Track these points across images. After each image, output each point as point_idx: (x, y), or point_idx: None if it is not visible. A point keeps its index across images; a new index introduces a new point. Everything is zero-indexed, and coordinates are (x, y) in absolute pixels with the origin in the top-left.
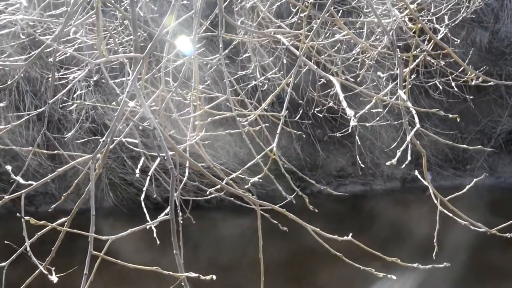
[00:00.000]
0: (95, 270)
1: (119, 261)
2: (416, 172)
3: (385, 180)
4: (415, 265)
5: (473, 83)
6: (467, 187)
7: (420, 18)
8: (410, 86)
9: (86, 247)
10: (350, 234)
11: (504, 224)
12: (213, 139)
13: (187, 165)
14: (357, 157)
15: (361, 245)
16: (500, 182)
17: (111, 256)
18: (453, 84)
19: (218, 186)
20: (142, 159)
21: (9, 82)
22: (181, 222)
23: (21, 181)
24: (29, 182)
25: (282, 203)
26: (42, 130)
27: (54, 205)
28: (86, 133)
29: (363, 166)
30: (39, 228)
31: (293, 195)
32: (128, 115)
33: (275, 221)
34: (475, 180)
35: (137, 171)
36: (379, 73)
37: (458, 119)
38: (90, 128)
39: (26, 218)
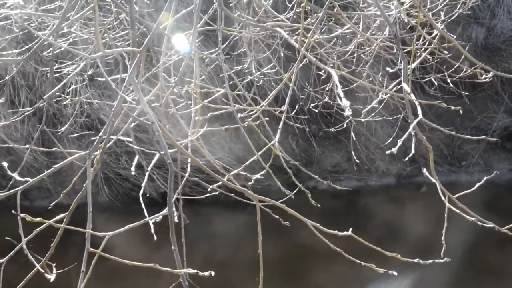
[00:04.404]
0: (92, 267)
1: (116, 258)
2: (424, 170)
3: (380, 176)
4: (415, 260)
5: (483, 77)
6: (477, 185)
7: (416, 13)
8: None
9: (81, 242)
10: (350, 230)
11: None
12: (208, 134)
13: (188, 161)
14: (353, 152)
15: (361, 240)
16: (495, 179)
17: (105, 251)
18: (448, 80)
19: (220, 183)
20: (137, 156)
21: (6, 78)
22: (186, 220)
23: (17, 177)
24: (25, 179)
25: (283, 199)
26: (40, 126)
27: (53, 203)
28: (81, 127)
29: (358, 162)
30: (35, 222)
31: (294, 191)
32: (127, 110)
33: (276, 216)
34: (485, 178)
35: (133, 168)
36: (388, 68)
37: (461, 111)
38: (85, 122)
39: (22, 215)
